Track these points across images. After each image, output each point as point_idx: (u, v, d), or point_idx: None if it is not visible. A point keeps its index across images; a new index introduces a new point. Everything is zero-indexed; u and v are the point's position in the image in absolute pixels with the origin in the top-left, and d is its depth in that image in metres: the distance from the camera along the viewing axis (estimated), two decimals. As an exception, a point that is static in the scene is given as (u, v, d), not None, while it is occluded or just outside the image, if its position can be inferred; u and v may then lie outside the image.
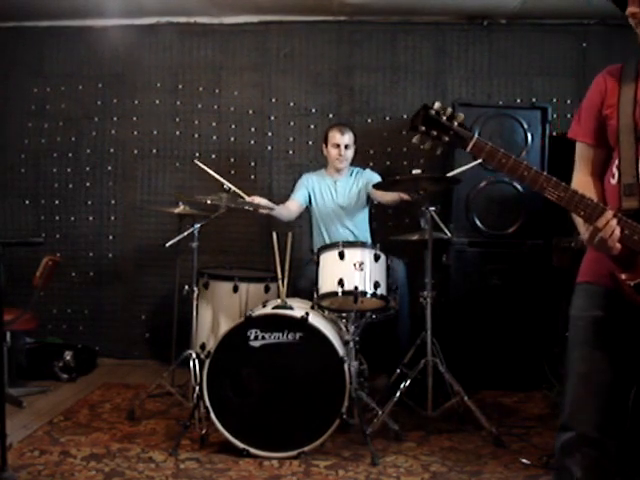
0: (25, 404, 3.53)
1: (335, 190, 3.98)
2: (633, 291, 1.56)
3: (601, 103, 1.70)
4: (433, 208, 3.30)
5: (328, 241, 3.76)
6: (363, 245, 3.26)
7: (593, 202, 1.54)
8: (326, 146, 3.97)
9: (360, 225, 4.00)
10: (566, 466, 1.64)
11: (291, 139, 4.57)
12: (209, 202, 3.31)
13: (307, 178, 4.06)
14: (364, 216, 4.04)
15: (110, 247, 4.67)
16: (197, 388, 3.05)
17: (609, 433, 1.63)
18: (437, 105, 1.56)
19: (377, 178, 3.98)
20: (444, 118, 1.56)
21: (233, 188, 3.51)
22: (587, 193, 1.58)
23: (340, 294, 3.07)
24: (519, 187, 3.88)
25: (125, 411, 3.42)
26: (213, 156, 4.61)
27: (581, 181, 1.74)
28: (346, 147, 3.90)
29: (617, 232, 1.51)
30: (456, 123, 1.56)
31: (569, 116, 4.22)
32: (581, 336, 1.68)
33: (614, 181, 1.64)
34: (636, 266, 1.56)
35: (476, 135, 1.58)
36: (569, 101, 4.35)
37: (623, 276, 1.57)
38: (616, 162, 1.64)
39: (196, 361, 3.34)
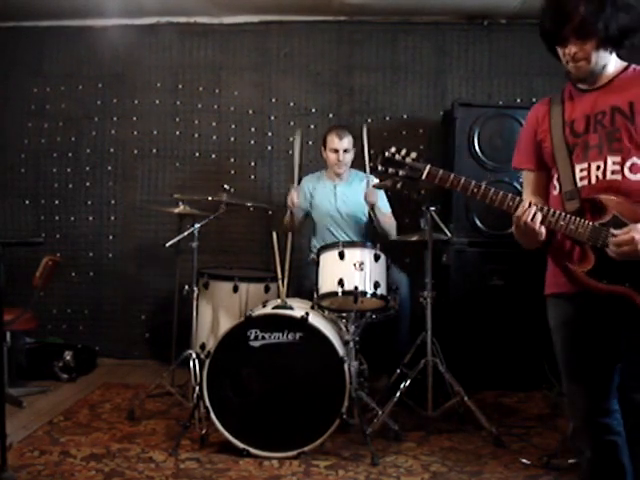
0: (25, 404, 3.53)
1: (335, 195, 3.90)
2: (586, 277, 1.77)
3: (535, 131, 1.94)
4: (433, 208, 3.30)
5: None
6: (363, 245, 3.25)
7: (518, 198, 1.80)
8: (325, 149, 3.91)
9: (358, 231, 3.92)
10: (579, 449, 1.92)
11: (291, 139, 4.57)
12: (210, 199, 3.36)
13: (305, 184, 3.99)
14: (363, 223, 3.95)
15: (110, 247, 4.67)
16: (197, 388, 3.05)
17: (603, 413, 1.85)
18: (393, 149, 1.85)
19: (385, 203, 3.95)
20: (398, 157, 1.84)
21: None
22: None
23: (340, 294, 3.06)
24: (519, 187, 3.87)
25: (125, 411, 3.41)
26: (213, 156, 4.61)
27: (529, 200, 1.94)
28: (345, 151, 3.82)
29: (538, 216, 1.76)
30: (409, 159, 1.84)
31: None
32: (560, 343, 1.92)
33: (556, 192, 1.87)
34: (586, 257, 1.78)
35: (428, 165, 1.84)
36: (569, 101, 4.34)
37: (575, 266, 1.79)
38: (556, 176, 1.87)
39: (196, 361, 3.34)
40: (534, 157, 1.95)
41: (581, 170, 1.80)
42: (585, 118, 1.81)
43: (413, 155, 1.84)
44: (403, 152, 1.84)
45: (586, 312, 1.83)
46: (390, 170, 1.84)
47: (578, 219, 1.75)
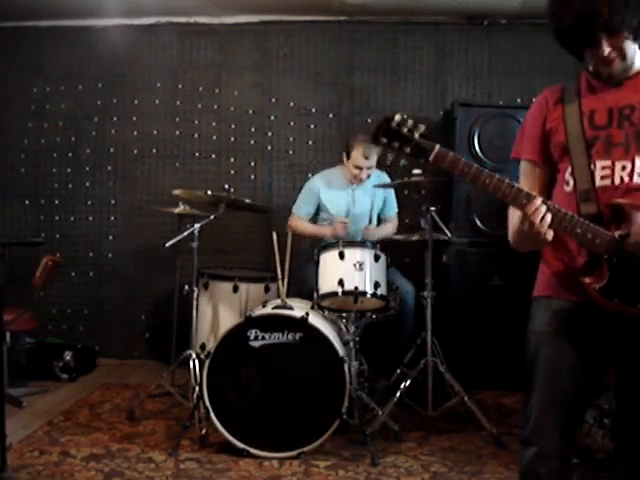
0: (25, 404, 3.53)
1: (352, 198, 3.83)
2: (599, 294, 1.57)
3: (544, 119, 1.74)
4: (433, 208, 3.30)
5: None
6: (363, 245, 3.25)
7: (527, 192, 1.55)
8: (347, 158, 3.73)
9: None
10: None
11: (291, 139, 4.57)
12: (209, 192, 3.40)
13: (315, 185, 3.87)
14: (374, 219, 3.94)
15: (110, 247, 4.67)
16: (197, 388, 3.05)
17: (570, 443, 1.67)
18: (398, 117, 1.57)
19: (393, 208, 3.98)
20: (405, 130, 1.56)
21: None
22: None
23: (340, 294, 3.06)
24: (519, 187, 3.87)
25: (125, 411, 3.41)
26: (213, 156, 4.61)
27: None
28: (368, 168, 3.69)
29: (547, 218, 1.52)
30: (417, 134, 1.56)
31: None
32: (546, 351, 1.68)
33: (569, 188, 1.66)
34: (600, 269, 1.57)
35: (437, 145, 1.57)
36: (569, 101, 4.33)
37: (587, 280, 1.58)
38: (569, 169, 1.66)
39: (196, 361, 3.34)
40: (540, 148, 1.74)
41: (603, 168, 1.61)
42: (608, 110, 1.63)
43: (422, 129, 1.56)
44: (410, 124, 1.57)
45: (583, 323, 1.64)
46: (394, 144, 1.57)
47: (596, 227, 1.55)
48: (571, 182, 1.66)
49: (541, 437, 1.65)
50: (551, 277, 1.72)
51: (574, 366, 1.63)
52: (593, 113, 1.65)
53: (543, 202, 1.54)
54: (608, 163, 1.61)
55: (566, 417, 1.65)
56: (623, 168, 1.59)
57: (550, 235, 1.54)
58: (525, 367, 1.73)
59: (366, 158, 3.62)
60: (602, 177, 1.61)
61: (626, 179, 1.58)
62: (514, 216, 1.69)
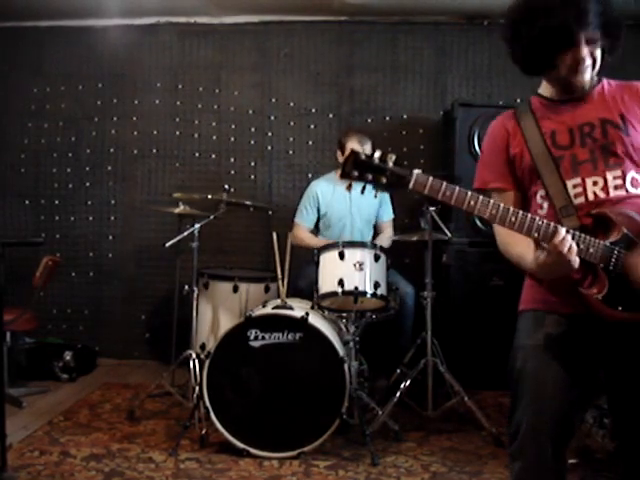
0: (25, 404, 3.53)
1: (350, 200, 3.83)
2: (602, 304, 1.53)
3: (506, 145, 1.71)
4: (433, 208, 3.30)
5: None
6: (363, 245, 3.25)
7: (544, 222, 1.51)
8: (342, 154, 3.78)
9: (368, 232, 3.94)
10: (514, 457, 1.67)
11: (291, 139, 4.57)
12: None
13: (314, 191, 3.88)
14: (372, 223, 3.98)
15: (110, 247, 4.67)
16: (197, 388, 3.05)
17: (561, 459, 1.65)
18: (367, 150, 1.51)
19: (388, 213, 3.99)
20: (376, 160, 1.48)
21: None
22: (513, 238, 1.60)
23: (340, 294, 3.06)
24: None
25: (125, 411, 3.42)
26: (213, 156, 4.61)
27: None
28: None
29: (574, 246, 1.49)
30: (390, 163, 1.48)
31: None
32: (533, 367, 1.65)
33: (543, 211, 1.65)
34: (599, 279, 1.55)
35: (416, 171, 1.49)
36: (569, 101, 4.34)
37: (590, 291, 1.55)
38: (541, 193, 1.65)
39: (196, 361, 3.34)
40: (507, 175, 1.71)
41: (574, 186, 1.60)
42: (568, 131, 1.63)
43: (392, 158, 1.48)
44: (378, 154, 1.49)
45: (571, 335, 1.60)
46: (367, 176, 1.49)
47: (588, 238, 1.52)
48: (545, 204, 1.64)
49: (529, 454, 1.65)
50: (538, 290, 1.69)
51: (563, 383, 1.59)
52: (554, 133, 1.65)
53: (565, 229, 1.48)
54: (578, 181, 1.60)
55: (555, 435, 1.61)
56: (595, 183, 1.58)
57: (577, 261, 1.48)
58: (510, 382, 1.71)
59: (361, 145, 3.62)
60: (575, 195, 1.60)
61: (601, 194, 1.58)
62: (516, 244, 1.63)
